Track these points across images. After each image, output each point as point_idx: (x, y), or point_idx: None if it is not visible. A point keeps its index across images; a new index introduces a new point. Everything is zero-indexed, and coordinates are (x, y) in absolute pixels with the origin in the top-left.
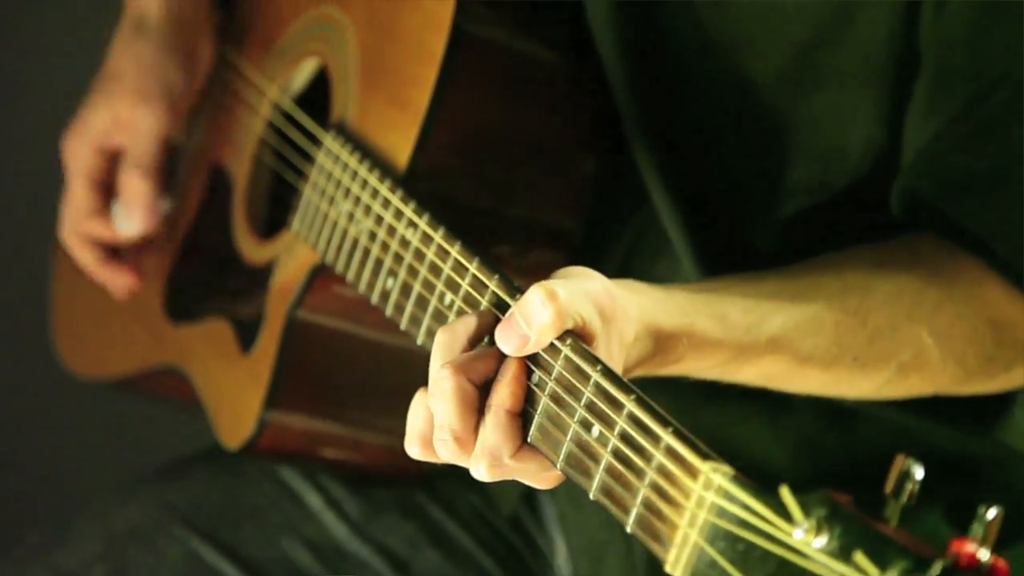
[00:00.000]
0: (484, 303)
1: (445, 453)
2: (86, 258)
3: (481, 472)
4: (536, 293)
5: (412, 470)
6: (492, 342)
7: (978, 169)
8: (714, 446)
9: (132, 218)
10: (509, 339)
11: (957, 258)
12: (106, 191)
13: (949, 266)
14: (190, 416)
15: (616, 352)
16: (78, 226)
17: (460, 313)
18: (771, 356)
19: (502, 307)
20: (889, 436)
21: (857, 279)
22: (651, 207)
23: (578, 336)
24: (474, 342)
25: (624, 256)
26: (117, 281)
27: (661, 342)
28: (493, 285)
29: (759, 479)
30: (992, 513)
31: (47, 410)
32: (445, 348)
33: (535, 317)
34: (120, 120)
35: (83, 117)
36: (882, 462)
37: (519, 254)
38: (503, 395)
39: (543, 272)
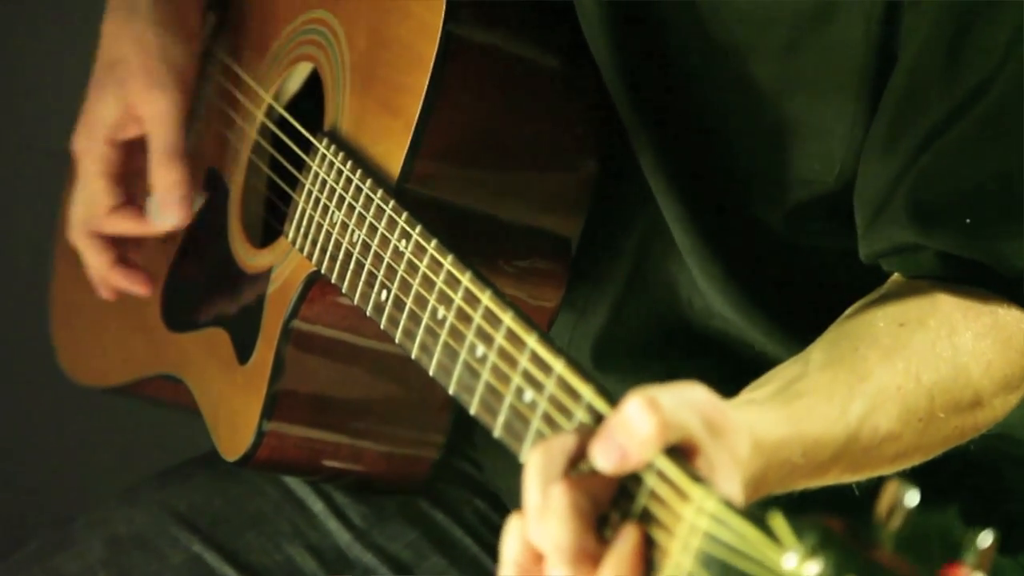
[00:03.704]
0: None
1: None
2: (101, 260)
3: None
4: (635, 403)
5: (414, 478)
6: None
7: (961, 193)
8: None
9: (170, 208)
10: (608, 454)
11: (969, 292)
12: (126, 185)
13: (964, 302)
14: (191, 419)
15: (727, 470)
16: (97, 226)
17: (455, 334)
18: (863, 442)
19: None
20: None
21: (892, 341)
22: (657, 208)
23: (681, 451)
24: (574, 462)
25: (634, 260)
26: (134, 283)
27: (770, 455)
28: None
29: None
30: (986, 540)
31: (48, 414)
32: (543, 470)
33: (636, 430)
34: (133, 109)
35: (91, 111)
36: None
37: (517, 260)
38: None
39: (541, 278)
